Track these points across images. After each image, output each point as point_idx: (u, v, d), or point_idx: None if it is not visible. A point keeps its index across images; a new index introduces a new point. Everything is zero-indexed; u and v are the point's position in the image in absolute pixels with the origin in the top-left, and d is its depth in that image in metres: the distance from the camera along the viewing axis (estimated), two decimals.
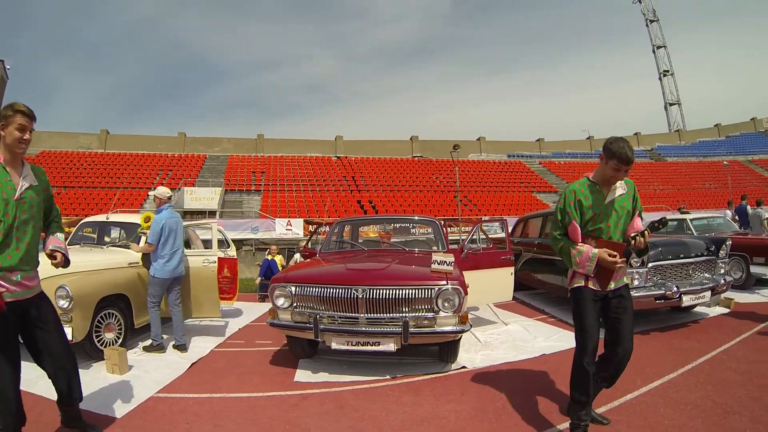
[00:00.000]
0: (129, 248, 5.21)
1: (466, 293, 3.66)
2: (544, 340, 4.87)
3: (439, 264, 3.76)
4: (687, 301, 4.91)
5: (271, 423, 2.89)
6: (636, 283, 4.86)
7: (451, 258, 3.79)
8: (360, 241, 6.24)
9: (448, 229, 6.96)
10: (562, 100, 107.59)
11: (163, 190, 4.89)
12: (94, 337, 4.28)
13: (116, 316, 4.64)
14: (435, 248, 5.29)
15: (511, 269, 5.74)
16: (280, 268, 9.85)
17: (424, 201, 23.70)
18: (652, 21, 44.67)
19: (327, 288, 3.68)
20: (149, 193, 5.00)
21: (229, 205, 21.74)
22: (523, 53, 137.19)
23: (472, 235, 5.76)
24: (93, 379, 3.67)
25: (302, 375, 3.84)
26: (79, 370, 2.63)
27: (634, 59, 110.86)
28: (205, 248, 7.28)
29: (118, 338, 4.60)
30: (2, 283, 2.17)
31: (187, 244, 6.89)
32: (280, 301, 3.81)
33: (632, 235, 2.57)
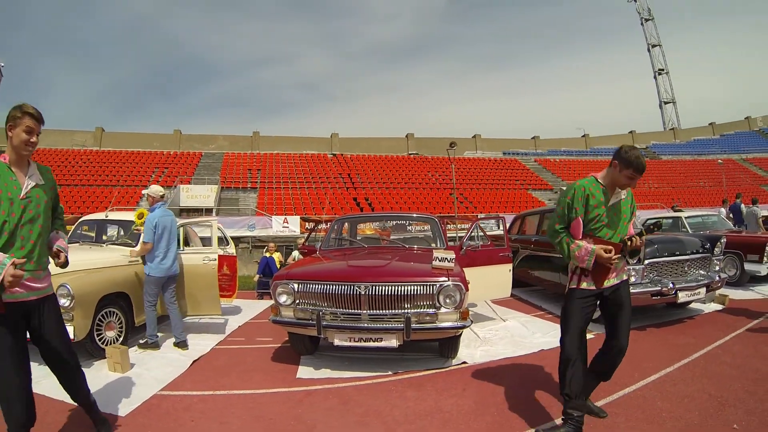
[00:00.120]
0: (129, 248, 5.21)
1: (467, 289, 3.71)
2: (542, 336, 4.93)
3: (440, 261, 3.80)
4: (683, 297, 4.99)
5: (277, 419, 2.91)
6: (633, 279, 4.92)
7: (451, 255, 3.84)
8: (358, 238, 6.27)
9: (446, 226, 7.01)
10: (558, 97, 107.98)
11: (155, 189, 4.89)
12: (96, 336, 4.29)
13: (117, 314, 4.65)
14: (434, 245, 5.34)
15: (509, 266, 5.80)
16: (278, 266, 9.86)
17: (420, 198, 23.76)
18: (647, 20, 44.93)
19: (330, 285, 3.71)
20: (142, 192, 5.01)
21: (225, 202, 21.70)
22: (519, 51, 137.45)
23: (471, 233, 5.80)
24: (95, 377, 3.67)
25: (304, 371, 3.87)
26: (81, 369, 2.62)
27: (629, 58, 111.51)
28: (204, 246, 7.32)
29: (119, 336, 4.62)
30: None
31: (186, 242, 6.90)
32: (283, 298, 3.84)
33: (628, 237, 2.63)
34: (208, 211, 19.02)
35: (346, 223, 6.37)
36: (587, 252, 2.57)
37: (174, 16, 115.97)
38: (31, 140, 2.23)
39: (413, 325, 3.55)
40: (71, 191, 20.37)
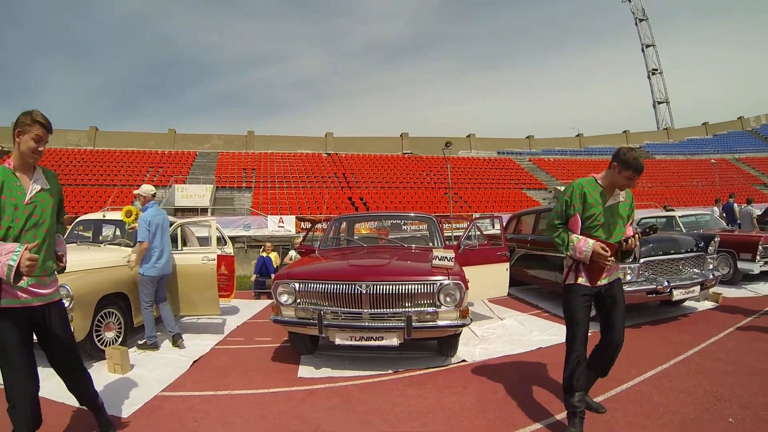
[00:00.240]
0: (128, 257, 5.20)
1: (467, 288, 3.75)
2: (540, 333, 4.99)
3: (440, 260, 3.84)
4: (677, 295, 5.07)
5: (280, 419, 2.92)
6: (628, 278, 5.00)
7: (451, 254, 3.88)
8: (357, 237, 6.30)
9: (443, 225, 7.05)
10: (552, 97, 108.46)
11: (146, 188, 4.88)
12: (95, 337, 4.29)
13: (116, 314, 4.65)
14: (432, 244, 5.38)
15: (507, 265, 5.85)
16: (275, 265, 9.87)
17: (415, 198, 23.81)
18: (641, 20, 45.22)
19: (331, 284, 3.73)
20: (134, 192, 4.99)
21: (220, 202, 21.62)
22: (513, 50, 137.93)
23: (468, 232, 5.85)
24: (95, 379, 3.52)
25: (305, 371, 3.88)
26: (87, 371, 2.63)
27: (623, 58, 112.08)
28: (202, 245, 7.30)
29: (118, 337, 4.61)
30: (9, 289, 2.13)
31: (184, 242, 6.89)
32: (284, 298, 3.86)
33: (624, 238, 2.70)
34: (204, 211, 18.95)
35: (344, 223, 6.39)
36: (586, 243, 2.64)
37: (168, 14, 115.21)
38: (39, 149, 2.23)
39: (414, 324, 3.58)
40: (65, 191, 20.10)
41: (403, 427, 2.74)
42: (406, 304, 3.67)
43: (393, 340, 3.59)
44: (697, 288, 5.20)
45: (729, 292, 6.45)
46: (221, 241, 6.62)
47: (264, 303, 8.41)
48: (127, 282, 4.80)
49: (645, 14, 45.14)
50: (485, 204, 23.49)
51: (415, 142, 33.31)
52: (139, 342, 4.74)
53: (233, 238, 15.89)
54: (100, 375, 3.83)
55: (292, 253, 9.89)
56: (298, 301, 3.83)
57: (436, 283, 3.66)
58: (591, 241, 2.64)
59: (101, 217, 6.03)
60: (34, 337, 2.31)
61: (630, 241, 2.68)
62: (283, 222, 18.12)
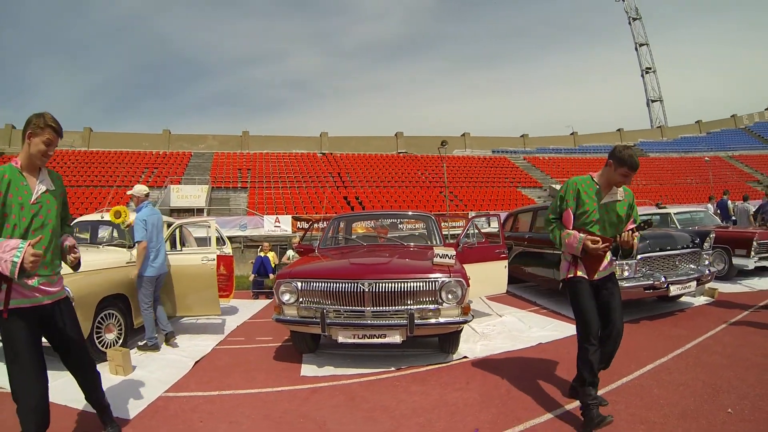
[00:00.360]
0: (122, 248, 5.20)
1: (468, 285, 3.78)
2: (539, 330, 5.03)
3: (440, 257, 3.87)
4: (674, 290, 5.13)
5: (285, 417, 2.93)
6: (626, 274, 5.06)
7: (452, 251, 3.92)
8: (355, 236, 6.32)
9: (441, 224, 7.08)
10: (546, 96, 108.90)
11: (139, 188, 4.87)
12: (95, 339, 4.27)
13: (116, 316, 4.64)
14: (431, 243, 5.41)
15: (505, 262, 5.88)
16: (273, 265, 9.86)
17: (411, 197, 23.85)
18: (634, 19, 45.60)
19: (333, 282, 3.74)
20: (127, 193, 5.00)
21: (216, 202, 21.55)
22: (507, 49, 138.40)
23: (467, 230, 5.88)
24: None
25: (308, 369, 3.89)
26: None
27: (617, 56, 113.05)
28: (200, 246, 7.29)
29: (119, 339, 4.60)
30: (19, 288, 2.15)
31: (182, 243, 6.88)
32: (286, 297, 3.86)
33: (617, 233, 2.77)
34: (199, 212, 18.90)
35: (343, 222, 6.41)
36: (576, 239, 2.75)
37: (163, 14, 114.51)
38: (49, 152, 2.25)
39: (416, 321, 3.61)
40: None
41: (408, 423, 2.76)
42: (409, 302, 3.70)
43: (396, 338, 3.61)
44: (694, 283, 5.27)
45: (724, 288, 6.53)
46: (220, 241, 6.62)
47: (263, 303, 8.41)
48: (126, 283, 4.79)
49: (638, 13, 45.57)
50: (480, 203, 23.58)
51: (409, 142, 33.38)
52: (140, 343, 4.73)
53: (229, 239, 15.86)
54: (102, 377, 3.79)
55: (290, 252, 9.89)
56: (301, 300, 3.84)
57: (437, 281, 3.69)
58: (581, 236, 2.75)
59: (99, 219, 5.99)
60: (44, 340, 2.32)
61: (624, 235, 2.73)
62: (279, 222, 18.11)
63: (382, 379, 3.59)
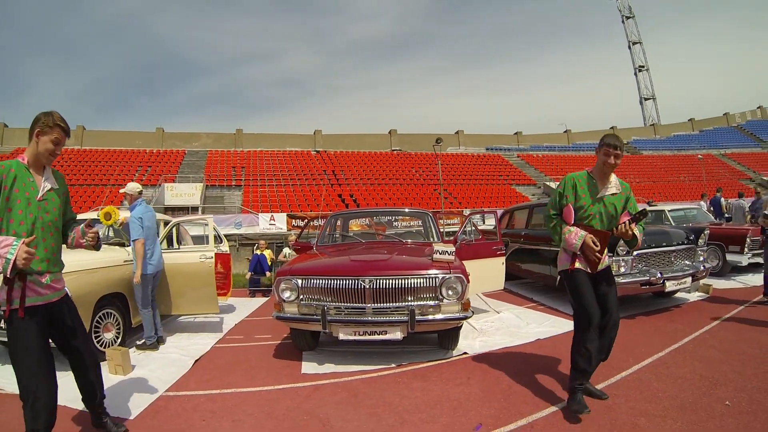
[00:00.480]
0: (127, 247, 5.16)
1: (468, 281, 3.80)
2: (537, 326, 5.07)
3: (440, 254, 3.89)
4: (670, 286, 5.20)
5: (289, 415, 2.92)
6: (622, 270, 5.10)
7: (451, 248, 3.94)
8: (350, 234, 6.32)
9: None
10: (540, 94, 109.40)
11: (132, 186, 4.82)
12: (94, 338, 4.25)
13: (114, 315, 4.61)
14: (428, 239, 5.43)
15: (502, 259, 5.92)
16: (270, 263, 9.84)
17: (405, 194, 23.86)
18: (628, 17, 45.84)
19: (334, 279, 3.75)
20: (120, 191, 4.97)
21: (210, 200, 21.44)
22: (501, 47, 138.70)
23: (465, 227, 5.91)
24: None
25: (309, 367, 3.89)
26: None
27: (610, 54, 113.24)
28: (196, 244, 7.26)
29: (117, 338, 4.57)
30: (35, 288, 2.19)
31: (179, 241, 6.84)
32: (286, 294, 3.86)
33: (617, 224, 2.84)
34: (194, 210, 18.80)
35: (340, 219, 6.41)
36: (576, 236, 2.81)
37: (157, 12, 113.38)
38: (56, 151, 2.27)
39: (417, 318, 3.63)
40: None
41: (412, 418, 2.77)
42: (409, 298, 3.71)
43: (396, 334, 3.62)
44: (689, 279, 5.34)
45: (718, 284, 6.62)
46: (217, 239, 6.59)
47: (260, 301, 8.40)
48: (124, 282, 4.76)
49: (632, 12, 45.82)
50: (474, 200, 23.64)
51: (403, 139, 33.38)
52: (138, 342, 4.70)
53: (225, 237, 15.81)
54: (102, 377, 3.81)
55: (286, 250, 9.87)
56: (301, 297, 3.84)
57: (438, 277, 3.70)
58: (582, 233, 2.80)
59: (94, 217, 5.94)
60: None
61: (620, 227, 2.80)
62: (274, 220, 18.06)
63: (384, 376, 3.60)
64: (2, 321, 3.69)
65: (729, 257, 7.30)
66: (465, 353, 4.11)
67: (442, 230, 6.14)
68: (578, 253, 2.85)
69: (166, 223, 6.19)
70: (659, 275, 5.11)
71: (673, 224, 7.89)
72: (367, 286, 3.65)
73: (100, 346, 4.28)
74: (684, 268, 5.49)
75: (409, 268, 3.86)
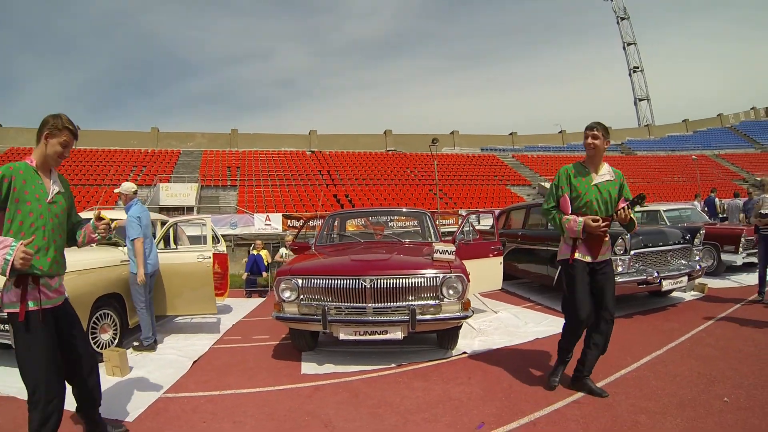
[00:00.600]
0: (122, 248, 5.12)
1: (469, 281, 3.81)
2: (535, 325, 5.09)
3: (441, 253, 3.89)
4: (666, 285, 5.24)
5: (290, 415, 2.91)
6: (620, 269, 5.13)
7: (452, 247, 3.94)
8: (348, 234, 6.31)
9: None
10: (535, 94, 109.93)
11: (127, 186, 4.79)
12: (91, 339, 4.21)
13: (111, 316, 4.57)
14: (427, 239, 5.44)
15: (500, 259, 5.94)
16: (266, 263, 9.81)
17: (400, 194, 23.86)
18: (622, 18, 46.15)
19: (334, 279, 3.74)
20: (114, 191, 4.93)
21: (205, 200, 21.31)
22: (496, 48, 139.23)
23: (463, 227, 5.92)
24: None
25: (308, 367, 3.87)
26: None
27: (605, 55, 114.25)
28: (193, 244, 7.23)
29: (114, 339, 4.54)
30: (45, 291, 2.19)
31: (175, 241, 6.81)
32: (286, 294, 3.84)
33: (615, 210, 2.98)
34: (189, 210, 18.70)
35: (338, 219, 6.40)
36: (576, 222, 2.95)
37: (151, 12, 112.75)
38: (65, 154, 2.28)
39: (417, 317, 3.63)
40: None
41: (414, 418, 2.77)
42: (410, 298, 3.71)
43: (397, 334, 3.62)
44: (685, 278, 5.38)
45: (713, 283, 6.68)
46: (214, 239, 6.57)
47: (256, 301, 8.37)
48: (121, 282, 4.73)
49: (626, 13, 46.17)
50: (470, 200, 23.69)
51: (398, 140, 33.41)
52: (135, 343, 4.67)
53: None
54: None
55: (283, 250, 9.85)
56: (301, 297, 3.83)
57: (438, 276, 3.71)
58: (580, 219, 2.94)
59: (90, 218, 5.89)
60: None
61: (619, 212, 2.90)
62: (269, 220, 17.98)
63: (384, 376, 3.60)
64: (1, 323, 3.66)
65: (724, 257, 7.37)
66: (464, 353, 4.12)
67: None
68: (582, 237, 2.95)
69: (163, 223, 6.15)
70: (656, 274, 5.16)
71: (668, 224, 7.96)
72: (368, 286, 3.65)
73: (97, 347, 4.24)
74: (680, 267, 5.54)
75: (409, 267, 3.86)
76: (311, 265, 4.09)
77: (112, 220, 5.01)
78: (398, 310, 3.68)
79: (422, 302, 3.71)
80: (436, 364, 3.85)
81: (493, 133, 36.44)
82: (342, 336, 3.70)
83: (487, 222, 12.29)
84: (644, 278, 5.12)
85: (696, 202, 12.18)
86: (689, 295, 6.09)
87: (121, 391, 3.41)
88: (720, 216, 11.16)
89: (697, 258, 5.82)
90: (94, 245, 5.21)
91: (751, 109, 42.74)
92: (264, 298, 8.79)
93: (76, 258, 4.38)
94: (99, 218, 2.42)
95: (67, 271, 3.52)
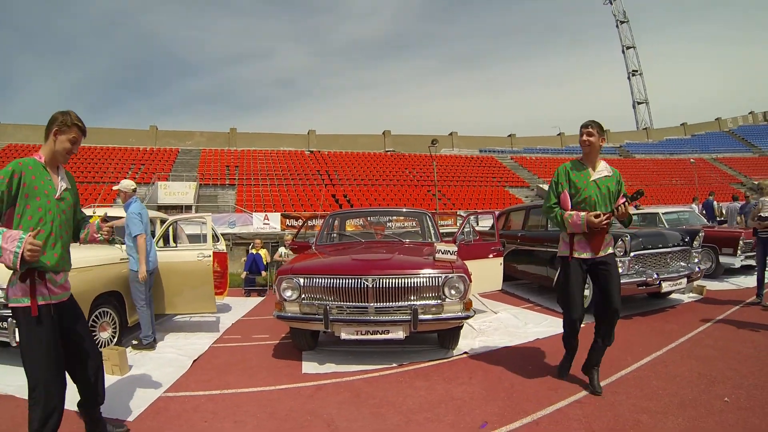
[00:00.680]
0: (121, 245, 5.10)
1: (471, 281, 3.81)
2: (535, 326, 5.10)
3: (442, 253, 3.90)
4: (666, 287, 5.25)
5: (291, 415, 2.90)
6: (620, 270, 5.13)
7: (454, 247, 3.95)
8: (348, 233, 6.31)
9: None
10: (534, 96, 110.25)
11: (126, 183, 4.76)
12: None
13: (110, 314, 4.56)
14: (427, 239, 5.44)
15: (500, 260, 5.95)
16: (265, 263, 9.80)
17: (399, 195, 23.88)
18: (622, 22, 46.31)
19: (336, 278, 3.73)
20: (113, 188, 4.92)
21: (204, 199, 21.28)
22: (495, 50, 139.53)
23: (464, 227, 5.93)
24: None
25: (309, 367, 3.86)
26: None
27: (604, 58, 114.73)
28: (192, 242, 7.21)
29: (113, 337, 4.52)
30: (50, 286, 2.19)
31: (174, 239, 6.79)
32: (288, 293, 3.83)
33: (615, 206, 3.07)
34: (188, 209, 18.66)
35: (339, 219, 6.40)
36: (579, 217, 3.03)
37: (150, 11, 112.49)
38: (73, 150, 2.30)
39: (420, 317, 3.62)
40: None
41: (417, 417, 2.77)
42: (412, 298, 3.71)
43: (399, 334, 3.62)
44: (684, 280, 5.41)
45: (712, 285, 6.72)
46: (213, 237, 6.55)
47: (255, 300, 8.36)
48: (120, 280, 4.72)
49: (626, 16, 46.38)
50: (468, 201, 23.73)
51: (397, 140, 33.44)
52: (134, 342, 4.64)
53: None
54: None
55: (282, 249, 9.83)
56: (303, 296, 3.82)
57: (441, 276, 3.71)
58: (582, 214, 3.03)
59: (91, 214, 5.88)
60: None
61: (620, 208, 3.01)
62: (268, 219, 17.98)
63: (385, 376, 3.59)
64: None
65: (722, 259, 7.41)
66: (465, 353, 4.12)
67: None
68: (585, 232, 3.03)
69: (162, 221, 6.14)
70: (656, 276, 5.18)
71: (667, 227, 7.99)
72: (370, 285, 3.65)
73: (96, 345, 4.22)
74: (679, 269, 5.56)
75: (412, 267, 3.86)
76: (313, 265, 4.09)
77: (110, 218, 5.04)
78: (400, 310, 3.68)
79: (424, 302, 3.71)
80: (437, 363, 3.85)
81: (491, 135, 36.52)
82: (344, 335, 3.69)
83: (484, 223, 12.32)
84: (644, 280, 5.14)
85: (694, 205, 12.24)
86: (688, 297, 6.12)
87: (121, 390, 3.38)
88: (718, 219, 11.22)
89: (696, 260, 5.85)
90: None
91: (749, 113, 43.00)
92: (263, 297, 8.78)
93: (75, 255, 4.33)
94: (105, 219, 2.44)
95: None
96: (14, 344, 3.49)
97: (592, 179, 3.10)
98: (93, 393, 2.46)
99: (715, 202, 11.59)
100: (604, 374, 3.26)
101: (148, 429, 2.79)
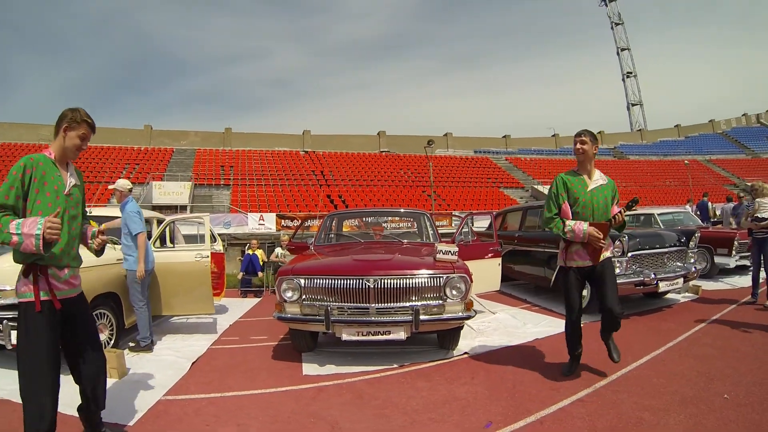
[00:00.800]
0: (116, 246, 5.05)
1: (472, 281, 3.82)
2: (534, 326, 5.11)
3: (443, 254, 3.90)
4: (663, 287, 5.30)
5: (294, 417, 2.87)
6: (618, 271, 5.18)
7: (455, 248, 3.95)
8: (347, 233, 6.30)
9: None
10: (529, 97, 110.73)
11: (122, 183, 4.72)
12: None
13: (107, 315, 4.50)
14: (426, 240, 5.45)
15: (499, 260, 5.97)
16: (261, 263, 9.76)
17: (394, 195, 23.88)
18: (617, 24, 46.61)
19: (337, 279, 3.72)
20: (109, 187, 4.87)
21: (198, 199, 21.13)
22: (490, 50, 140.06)
23: (463, 228, 5.94)
24: None
25: (310, 368, 3.83)
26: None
27: (599, 60, 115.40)
28: (189, 243, 7.15)
29: (110, 339, 4.46)
30: (53, 281, 2.18)
31: (171, 239, 6.74)
32: (289, 294, 3.81)
33: (612, 216, 3.20)
34: (183, 209, 18.54)
35: (336, 219, 6.39)
36: (581, 229, 3.12)
37: (145, 10, 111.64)
38: (83, 147, 2.32)
39: (420, 317, 3.62)
40: None
41: (421, 418, 2.76)
42: (413, 298, 3.71)
43: (400, 334, 3.61)
44: (681, 280, 5.46)
45: (707, 285, 6.78)
46: (211, 238, 6.51)
47: (252, 301, 8.32)
48: (117, 281, 4.66)
49: (621, 18, 46.66)
50: (463, 202, 23.78)
51: (392, 141, 33.45)
52: (131, 344, 4.59)
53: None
54: None
55: (278, 250, 9.80)
56: (303, 297, 3.80)
57: (442, 277, 3.71)
58: (585, 224, 3.12)
59: (87, 213, 5.82)
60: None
61: (617, 217, 3.17)
62: (263, 220, 17.91)
63: (387, 376, 3.58)
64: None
65: (717, 259, 7.49)
66: (465, 353, 4.12)
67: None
68: (585, 241, 3.13)
69: (160, 222, 6.09)
70: (653, 276, 5.22)
71: (662, 227, 8.06)
72: (372, 286, 3.64)
73: (102, 348, 4.18)
74: (676, 269, 5.61)
75: (413, 267, 3.86)
76: (313, 265, 4.07)
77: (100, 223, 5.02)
78: (401, 311, 3.68)
79: (425, 302, 3.71)
80: (438, 364, 3.85)
81: (486, 136, 36.60)
82: (345, 336, 3.68)
83: (479, 224, 12.35)
84: (641, 279, 5.18)
85: (688, 207, 12.36)
86: (683, 297, 6.17)
87: (119, 394, 3.31)
88: (712, 220, 11.35)
89: (692, 260, 5.90)
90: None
91: (743, 115, 43.49)
92: (260, 298, 8.74)
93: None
94: (102, 231, 2.46)
95: None
96: (9, 347, 3.44)
97: (588, 189, 3.21)
98: (95, 397, 2.42)
99: (709, 203, 11.74)
100: (606, 374, 3.31)
101: None
